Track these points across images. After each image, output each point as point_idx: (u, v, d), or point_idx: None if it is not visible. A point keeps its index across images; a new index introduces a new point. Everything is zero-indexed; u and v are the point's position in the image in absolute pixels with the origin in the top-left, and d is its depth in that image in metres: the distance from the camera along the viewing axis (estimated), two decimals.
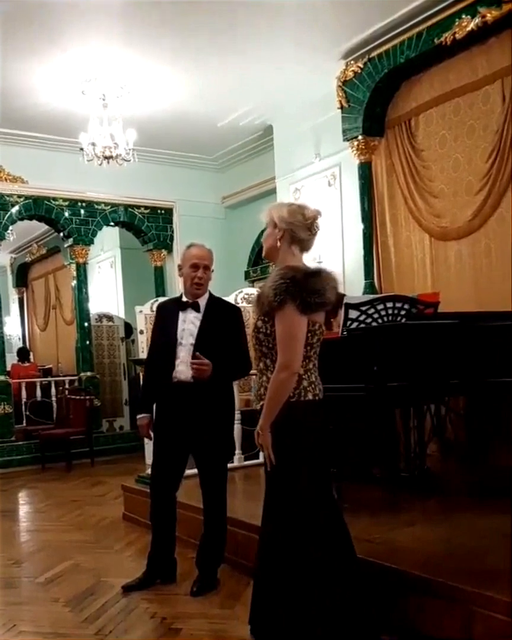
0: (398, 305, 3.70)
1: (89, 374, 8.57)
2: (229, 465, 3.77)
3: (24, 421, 8.77)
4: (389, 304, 3.68)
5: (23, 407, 8.80)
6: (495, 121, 5.06)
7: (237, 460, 5.06)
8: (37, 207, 8.15)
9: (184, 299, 3.48)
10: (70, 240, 8.45)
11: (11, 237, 8.26)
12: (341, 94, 6.23)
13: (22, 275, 13.30)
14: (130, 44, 5.75)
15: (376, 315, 3.65)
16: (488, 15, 4.81)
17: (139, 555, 3.99)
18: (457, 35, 5.06)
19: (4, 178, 7.80)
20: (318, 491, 2.52)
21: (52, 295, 12.14)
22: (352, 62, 6.08)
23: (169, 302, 3.70)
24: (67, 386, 8.89)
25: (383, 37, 5.69)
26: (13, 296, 13.53)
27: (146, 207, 8.84)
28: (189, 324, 3.40)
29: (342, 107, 6.25)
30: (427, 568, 2.76)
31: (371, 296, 4.32)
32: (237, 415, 4.54)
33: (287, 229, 2.54)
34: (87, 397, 8.16)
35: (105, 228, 8.82)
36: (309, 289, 2.40)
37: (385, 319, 3.66)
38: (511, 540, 2.92)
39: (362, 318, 3.65)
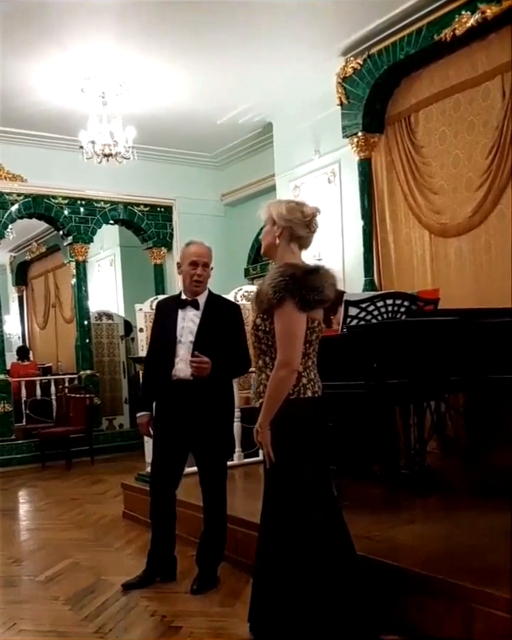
0: (398, 302, 3.69)
1: (88, 372, 8.57)
2: (229, 463, 3.77)
3: (24, 420, 8.78)
4: (389, 301, 3.67)
5: (23, 405, 8.81)
6: (495, 117, 5.05)
7: (237, 458, 5.06)
8: (37, 206, 8.14)
9: (183, 296, 3.47)
10: (70, 239, 8.45)
11: (11, 235, 8.27)
12: (340, 91, 6.22)
13: (21, 274, 13.29)
14: (130, 42, 5.74)
15: (375, 312, 3.64)
16: (488, 11, 4.80)
17: (139, 553, 3.99)
18: (457, 32, 5.04)
19: (4, 176, 7.79)
20: (318, 488, 2.52)
21: (51, 293, 12.13)
22: (351, 58, 6.07)
23: (169, 299, 3.69)
24: (66, 384, 8.88)
25: (383, 33, 5.67)
26: (13, 294, 13.53)
27: (146, 205, 8.84)
28: (188, 322, 3.39)
29: (341, 104, 6.24)
30: (427, 565, 2.75)
31: (371, 293, 4.30)
32: (237, 413, 4.53)
33: (286, 226, 2.53)
34: (87, 396, 8.16)
35: (104, 226, 8.81)
36: (308, 287, 2.39)
37: (385, 316, 3.66)
38: (511, 538, 2.91)
39: (362, 315, 3.64)
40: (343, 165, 6.53)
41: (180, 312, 3.42)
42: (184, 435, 3.38)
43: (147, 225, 8.89)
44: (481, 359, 3.70)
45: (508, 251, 4.90)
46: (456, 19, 5.02)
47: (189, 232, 7.23)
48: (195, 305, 3.42)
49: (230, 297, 5.42)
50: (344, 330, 3.65)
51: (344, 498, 3.56)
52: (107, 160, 6.59)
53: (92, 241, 8.65)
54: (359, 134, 6.09)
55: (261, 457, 2.61)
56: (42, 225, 9.88)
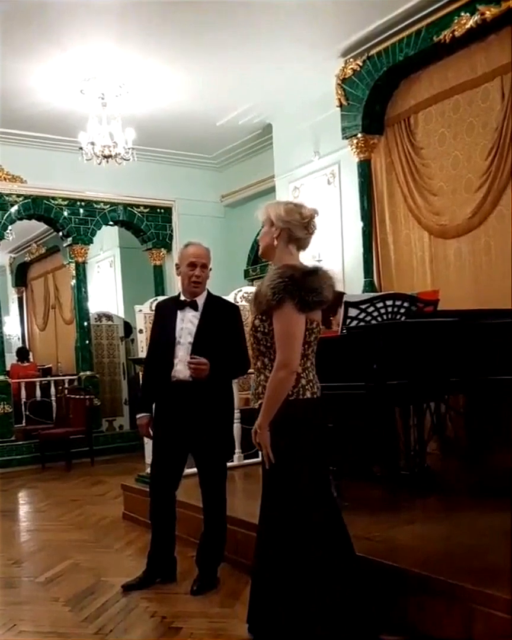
0: (398, 303, 3.70)
1: (88, 373, 8.57)
2: (229, 464, 3.77)
3: (24, 421, 8.77)
4: (389, 302, 3.67)
5: (23, 406, 8.80)
6: (494, 118, 5.05)
7: (237, 459, 5.06)
8: (36, 207, 8.15)
9: (182, 297, 3.47)
10: (70, 240, 8.45)
11: (10, 236, 8.27)
12: (340, 92, 6.22)
13: (21, 275, 13.29)
14: (129, 43, 5.74)
15: (375, 314, 3.64)
16: (487, 12, 4.80)
17: (139, 554, 3.99)
18: (456, 33, 5.05)
19: (3, 177, 7.80)
20: (317, 489, 2.52)
21: (51, 294, 12.13)
22: (351, 60, 6.07)
23: (168, 301, 3.69)
24: (66, 386, 8.89)
25: (382, 34, 5.68)
26: (12, 296, 13.52)
27: (145, 206, 8.84)
28: (187, 323, 3.40)
29: (341, 105, 6.25)
30: (427, 566, 2.75)
31: (371, 294, 4.31)
32: (237, 414, 4.53)
33: (284, 227, 2.53)
34: (87, 397, 8.15)
35: (104, 227, 8.81)
36: (307, 288, 2.39)
37: (385, 317, 3.66)
38: (511, 539, 2.91)
39: (361, 316, 3.64)
40: (343, 167, 6.54)
41: (179, 314, 3.43)
42: (183, 436, 3.38)
43: (147, 226, 8.89)
44: (480, 360, 3.70)
45: (508, 252, 4.91)
46: (456, 21, 5.03)
47: (189, 234, 7.23)
48: (194, 307, 3.42)
49: (229, 298, 5.43)
50: (344, 331, 3.65)
51: (344, 499, 3.56)
52: (107, 161, 6.60)
53: (92, 242, 8.66)
54: (359, 135, 6.10)
55: (260, 458, 2.62)
56: (42, 227, 9.88)
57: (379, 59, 5.81)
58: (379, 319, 3.64)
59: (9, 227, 8.03)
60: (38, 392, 8.93)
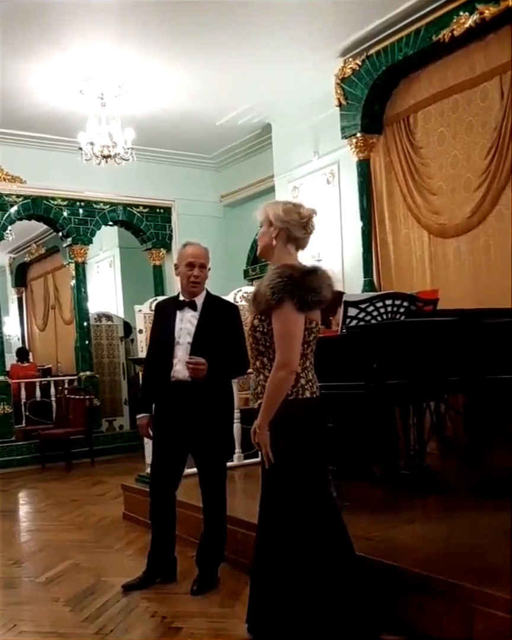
0: (397, 302, 3.70)
1: (88, 373, 8.57)
2: (229, 464, 3.77)
3: (24, 421, 8.77)
4: (388, 302, 3.68)
5: (22, 407, 8.80)
6: (493, 118, 5.05)
7: (237, 459, 5.06)
8: (36, 207, 8.15)
9: (181, 297, 3.47)
10: (69, 240, 8.45)
11: (10, 237, 8.26)
12: (339, 92, 6.23)
13: (21, 275, 13.29)
14: (129, 43, 5.74)
15: (375, 313, 3.64)
16: (486, 11, 4.80)
17: (139, 554, 3.99)
18: (455, 32, 5.05)
19: (3, 178, 7.79)
20: (317, 489, 2.52)
21: (51, 295, 12.13)
22: (350, 59, 6.07)
23: (167, 301, 3.69)
24: (66, 386, 8.88)
25: (381, 34, 5.68)
26: (12, 296, 13.53)
27: (145, 206, 8.84)
28: (186, 323, 3.40)
29: (340, 105, 6.25)
30: (427, 566, 2.75)
31: (370, 294, 4.31)
32: (237, 414, 4.53)
33: (283, 227, 2.54)
34: (87, 397, 8.15)
35: (104, 227, 8.81)
36: (306, 287, 2.40)
37: (384, 316, 3.66)
38: (511, 538, 2.91)
39: (361, 316, 3.64)
40: (342, 166, 6.54)
41: (178, 314, 3.43)
42: (183, 436, 3.38)
43: (147, 226, 8.89)
44: (480, 360, 3.70)
45: (507, 251, 4.91)
46: (455, 20, 5.03)
47: (188, 234, 7.22)
48: (193, 307, 3.42)
49: (229, 298, 5.43)
50: (344, 330, 3.65)
51: (344, 499, 3.56)
52: (106, 161, 6.59)
53: (92, 242, 8.65)
54: (358, 134, 6.10)
55: (259, 458, 2.62)
56: (42, 227, 9.87)
57: (378, 58, 5.81)
58: (379, 318, 3.65)
59: (9, 228, 8.03)
60: (38, 393, 8.93)
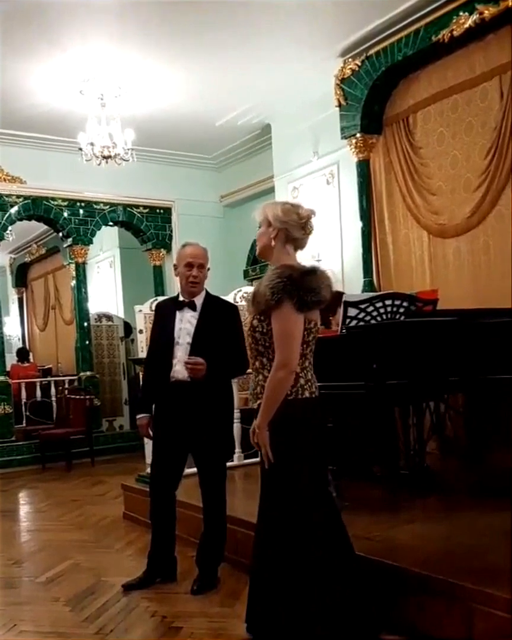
0: (397, 302, 3.70)
1: (88, 373, 8.57)
2: (229, 463, 3.77)
3: (24, 421, 8.77)
4: (388, 302, 3.68)
5: (23, 407, 8.80)
6: (493, 118, 5.06)
7: (237, 458, 5.06)
8: (36, 207, 8.15)
9: (181, 298, 3.48)
10: (70, 240, 8.45)
11: (10, 237, 8.26)
12: (338, 92, 6.23)
13: (21, 276, 13.29)
14: (128, 44, 5.74)
15: (375, 313, 3.64)
16: (486, 12, 4.80)
17: (139, 554, 3.99)
18: (454, 33, 5.05)
19: (3, 178, 7.80)
20: (316, 489, 2.53)
21: (51, 295, 12.13)
22: (350, 59, 6.07)
23: (167, 301, 3.70)
24: (66, 386, 8.88)
25: (381, 34, 5.68)
26: (12, 296, 13.52)
27: (145, 207, 8.84)
28: (185, 323, 3.40)
29: (340, 105, 6.25)
30: (427, 566, 2.75)
31: (370, 294, 4.31)
32: (237, 414, 4.53)
33: (281, 228, 2.54)
34: (87, 397, 8.16)
35: (104, 228, 8.81)
36: (305, 288, 2.40)
37: (384, 316, 3.66)
38: (511, 538, 2.91)
39: (361, 316, 3.64)
40: (342, 167, 6.54)
41: (177, 314, 3.43)
42: (183, 436, 3.38)
43: (147, 226, 8.89)
44: (480, 360, 3.70)
45: (507, 251, 4.91)
46: (454, 20, 5.03)
47: (188, 234, 7.23)
48: (193, 307, 3.43)
49: (229, 298, 5.43)
50: (344, 331, 3.65)
51: (344, 499, 3.57)
52: (106, 162, 6.60)
53: (92, 243, 8.65)
54: (358, 135, 6.10)
55: (259, 458, 2.62)
56: (42, 227, 9.87)
57: (378, 58, 5.82)
58: (379, 318, 3.65)
59: (9, 228, 8.03)
60: (38, 393, 8.93)
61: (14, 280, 13.45)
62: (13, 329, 13.10)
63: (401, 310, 3.71)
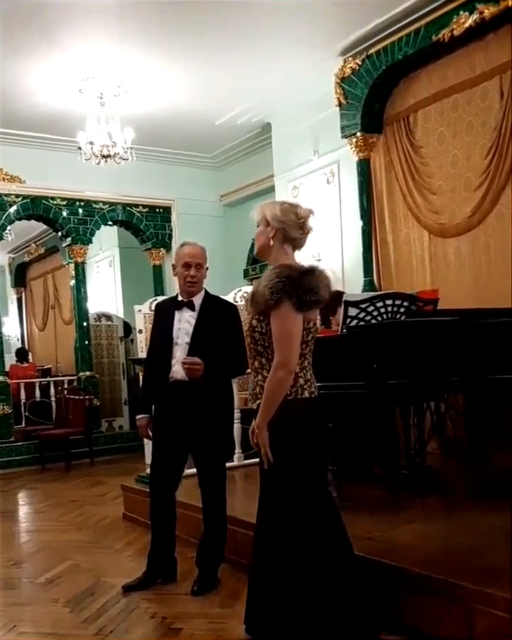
0: (397, 302, 3.69)
1: (88, 373, 8.55)
2: (229, 464, 3.76)
3: (23, 422, 8.76)
4: (389, 302, 3.67)
5: (22, 407, 8.79)
6: (493, 117, 5.05)
7: (237, 459, 5.05)
8: (35, 207, 8.14)
9: (180, 298, 3.47)
10: (69, 240, 8.44)
11: (9, 236, 8.25)
12: (339, 91, 6.22)
13: (20, 275, 13.29)
14: (128, 43, 5.74)
15: (375, 313, 3.64)
16: (486, 11, 4.80)
17: (139, 555, 3.98)
18: (455, 32, 5.04)
19: (2, 178, 7.79)
20: (316, 489, 2.52)
21: (50, 295, 12.12)
22: (350, 59, 6.07)
23: (166, 301, 3.69)
24: (66, 386, 8.87)
25: (381, 33, 5.68)
26: (11, 296, 13.52)
27: (144, 206, 8.83)
28: (184, 323, 3.39)
29: (340, 104, 6.24)
30: (427, 566, 2.75)
31: (370, 294, 4.30)
32: (237, 414, 4.52)
33: (280, 227, 2.53)
34: (86, 397, 8.15)
35: (103, 227, 8.80)
36: (304, 287, 2.39)
37: (384, 316, 3.66)
38: (511, 538, 2.91)
39: (361, 316, 3.64)
40: (342, 166, 6.53)
41: (176, 314, 3.42)
42: (183, 436, 3.37)
43: (146, 226, 8.88)
44: (480, 360, 3.70)
45: (507, 251, 4.91)
46: (454, 20, 5.03)
47: (188, 233, 7.21)
48: (191, 307, 3.42)
49: (229, 298, 5.42)
50: (344, 330, 3.65)
51: (344, 499, 3.56)
52: (106, 161, 6.59)
53: (91, 242, 8.64)
54: (358, 134, 6.10)
55: (258, 459, 2.61)
56: (41, 227, 9.87)
57: (378, 57, 5.81)
58: (379, 318, 3.64)
59: (8, 227, 8.02)
60: (37, 393, 8.93)
61: (13, 280, 13.45)
62: (12, 329, 13.10)
63: (402, 310, 3.70)
